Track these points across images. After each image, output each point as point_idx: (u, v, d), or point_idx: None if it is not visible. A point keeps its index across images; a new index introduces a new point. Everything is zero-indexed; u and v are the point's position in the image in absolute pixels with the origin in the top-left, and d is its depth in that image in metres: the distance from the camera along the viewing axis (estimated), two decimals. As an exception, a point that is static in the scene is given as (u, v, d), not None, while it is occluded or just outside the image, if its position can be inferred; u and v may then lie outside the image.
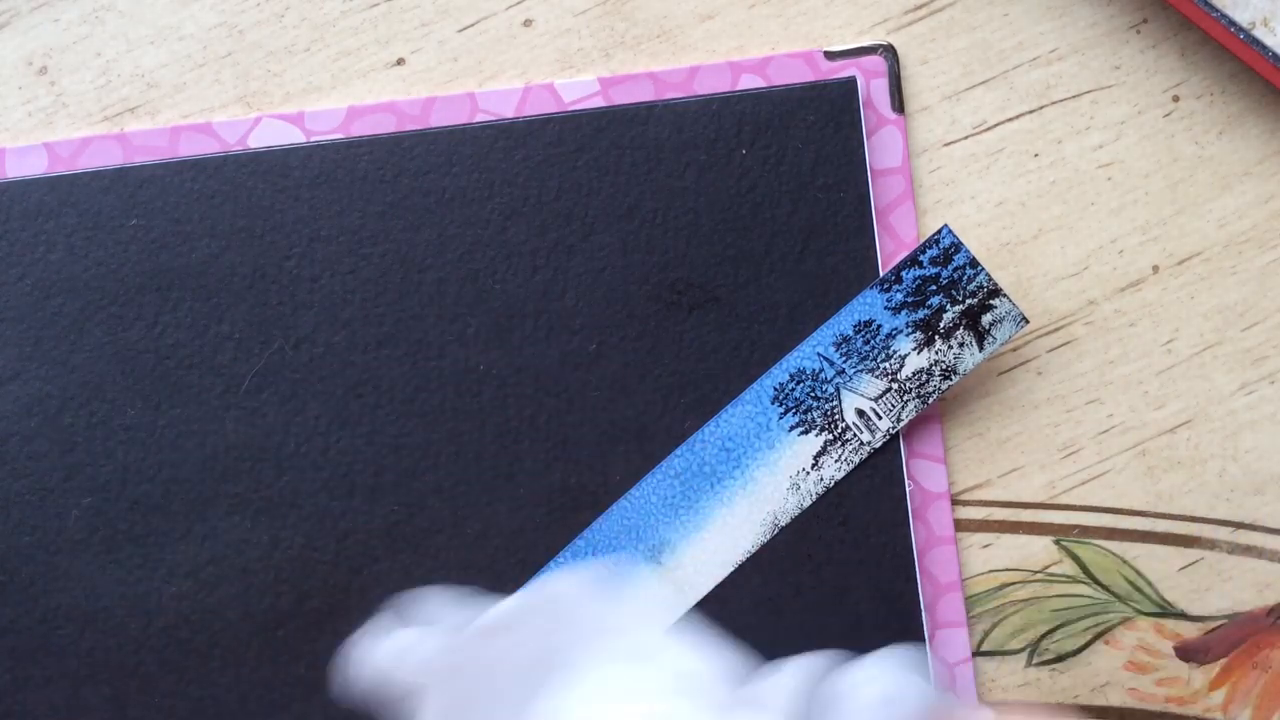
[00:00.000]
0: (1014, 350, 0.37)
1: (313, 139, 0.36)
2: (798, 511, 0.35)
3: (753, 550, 0.35)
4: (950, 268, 0.35)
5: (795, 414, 0.35)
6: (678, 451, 0.35)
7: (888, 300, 0.35)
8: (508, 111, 0.36)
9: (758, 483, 0.35)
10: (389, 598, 0.35)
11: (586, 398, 0.35)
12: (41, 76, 0.37)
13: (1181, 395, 0.36)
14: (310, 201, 0.36)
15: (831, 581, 0.35)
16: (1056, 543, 0.36)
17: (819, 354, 0.35)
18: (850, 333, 0.35)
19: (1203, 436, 0.36)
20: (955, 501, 0.36)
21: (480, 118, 0.36)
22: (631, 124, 0.36)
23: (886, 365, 0.35)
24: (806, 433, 0.35)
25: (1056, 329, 0.36)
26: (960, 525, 0.36)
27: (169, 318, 0.35)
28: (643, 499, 0.35)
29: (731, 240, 0.36)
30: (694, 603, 0.35)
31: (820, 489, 0.35)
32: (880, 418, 0.35)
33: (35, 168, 0.36)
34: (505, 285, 0.36)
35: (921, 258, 0.35)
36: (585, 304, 0.36)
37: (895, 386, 0.35)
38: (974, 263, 0.35)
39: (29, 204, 0.36)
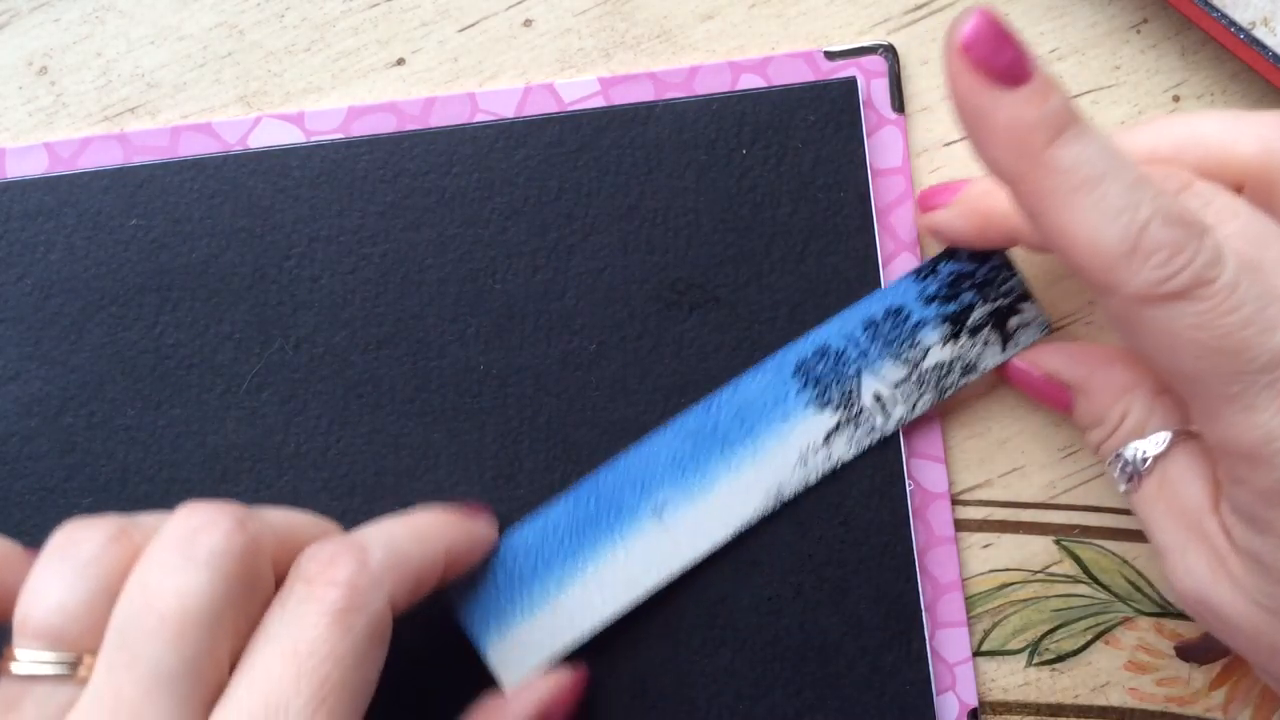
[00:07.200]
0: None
1: (313, 139, 0.36)
2: (802, 486, 0.35)
3: (754, 520, 0.35)
4: (986, 266, 0.35)
5: (813, 389, 0.35)
6: (692, 411, 0.35)
7: (921, 290, 0.35)
8: (508, 111, 0.36)
9: (767, 452, 0.35)
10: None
11: (586, 398, 0.35)
12: (41, 76, 0.37)
13: (1181, 395, 0.36)
14: (310, 201, 0.36)
15: (831, 581, 0.35)
16: (1057, 543, 0.36)
17: (846, 334, 0.35)
18: (880, 317, 0.35)
19: (1203, 436, 0.36)
20: (955, 501, 0.36)
21: (480, 118, 0.36)
22: (631, 124, 0.36)
23: (910, 354, 0.35)
24: (822, 409, 0.35)
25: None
26: (960, 525, 0.36)
27: (169, 318, 0.35)
28: (652, 453, 0.35)
29: (731, 240, 0.36)
30: (690, 564, 0.35)
31: (828, 466, 0.35)
32: (896, 404, 0.35)
33: (35, 168, 0.36)
34: (505, 285, 0.36)
35: (960, 252, 0.35)
36: (585, 304, 0.36)
37: (915, 376, 0.35)
38: (1009, 264, 0.35)
39: (29, 204, 0.36)
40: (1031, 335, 0.35)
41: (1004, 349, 0.35)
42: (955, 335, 0.35)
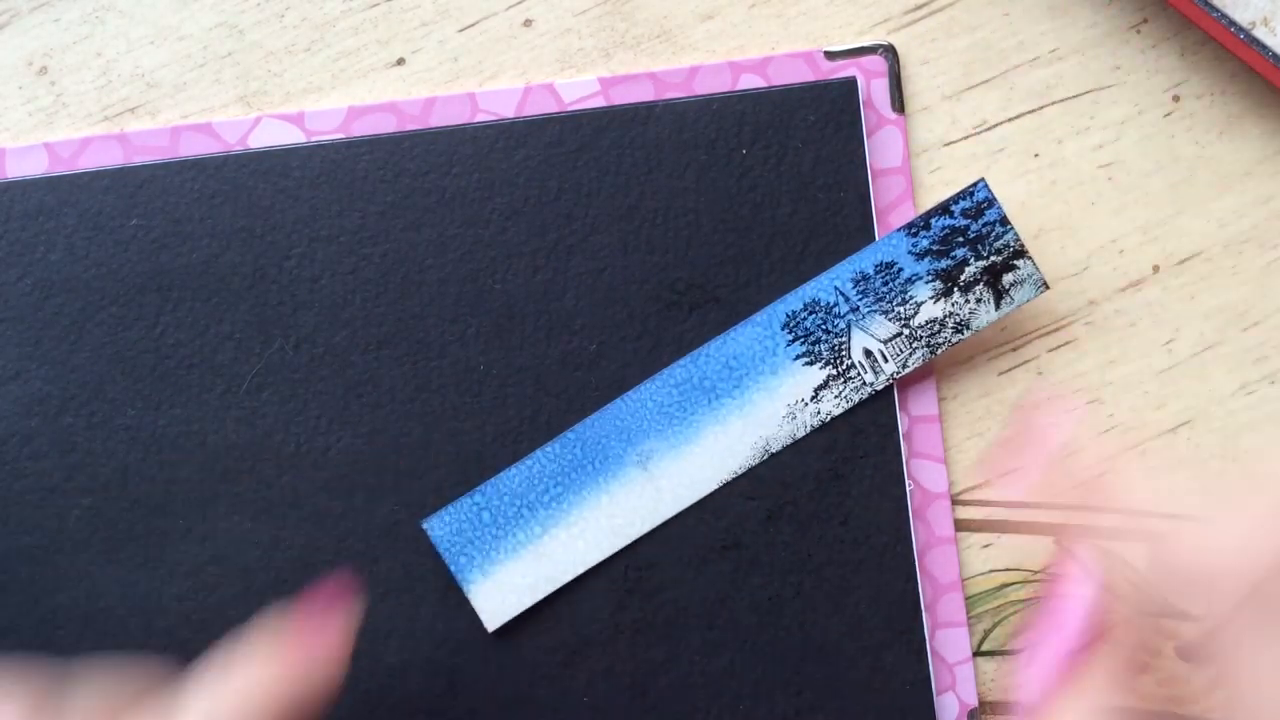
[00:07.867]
0: (1014, 350, 0.37)
1: (313, 139, 0.36)
2: (790, 440, 0.35)
3: (739, 472, 0.35)
4: (980, 222, 0.35)
5: (803, 343, 0.35)
6: (681, 362, 0.35)
7: (913, 245, 0.35)
8: (508, 111, 0.36)
9: (755, 405, 0.35)
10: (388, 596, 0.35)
11: (586, 398, 0.35)
12: (41, 76, 0.37)
13: (1181, 395, 0.36)
14: (310, 201, 0.36)
15: (831, 581, 0.35)
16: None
17: (836, 288, 0.35)
18: (871, 272, 0.35)
19: (1203, 436, 0.36)
20: (955, 501, 0.36)
21: (480, 118, 0.36)
22: (631, 124, 0.36)
23: (901, 310, 0.35)
24: (811, 364, 0.35)
25: (1056, 329, 0.36)
26: (960, 525, 0.36)
27: (169, 318, 0.35)
28: (639, 403, 0.35)
29: (731, 240, 0.36)
30: (672, 514, 0.35)
31: (816, 421, 0.35)
32: (886, 360, 0.35)
33: (35, 168, 0.36)
34: (505, 285, 0.36)
35: (953, 208, 0.35)
36: (585, 304, 0.36)
37: (906, 332, 0.35)
38: (1004, 220, 0.35)
39: (29, 204, 0.36)
40: (1026, 293, 0.35)
41: (997, 307, 0.35)
42: (948, 292, 0.35)
